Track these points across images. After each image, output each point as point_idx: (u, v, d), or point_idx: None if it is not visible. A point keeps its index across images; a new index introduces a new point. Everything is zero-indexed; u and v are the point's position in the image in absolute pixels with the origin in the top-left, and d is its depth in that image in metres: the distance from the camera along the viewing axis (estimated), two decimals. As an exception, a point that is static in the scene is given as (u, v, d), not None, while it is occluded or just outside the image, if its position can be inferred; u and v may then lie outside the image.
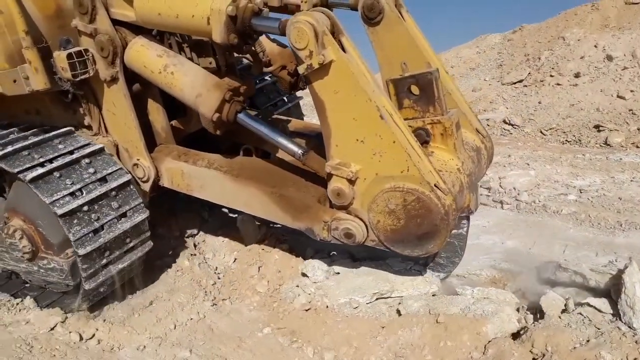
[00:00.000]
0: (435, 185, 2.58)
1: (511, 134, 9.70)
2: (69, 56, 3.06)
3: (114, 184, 3.21)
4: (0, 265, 3.65)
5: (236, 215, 4.30)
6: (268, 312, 3.46)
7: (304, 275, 3.60)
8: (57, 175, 3.03)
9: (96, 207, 3.10)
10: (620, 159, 7.11)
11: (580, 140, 8.67)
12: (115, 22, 3.19)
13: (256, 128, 3.09)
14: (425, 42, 3.23)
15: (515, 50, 13.77)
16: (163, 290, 3.69)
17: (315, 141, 3.43)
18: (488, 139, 3.45)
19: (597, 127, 8.74)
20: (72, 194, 3.00)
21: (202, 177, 3.45)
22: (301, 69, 2.58)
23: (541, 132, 9.38)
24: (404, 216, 2.69)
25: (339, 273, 3.58)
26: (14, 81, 3.14)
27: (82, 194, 3.05)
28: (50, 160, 3.09)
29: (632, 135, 8.18)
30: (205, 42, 3.57)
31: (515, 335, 2.99)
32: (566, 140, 8.86)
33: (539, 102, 10.37)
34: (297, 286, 3.52)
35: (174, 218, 4.40)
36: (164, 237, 4.23)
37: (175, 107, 3.75)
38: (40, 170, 2.98)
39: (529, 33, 14.19)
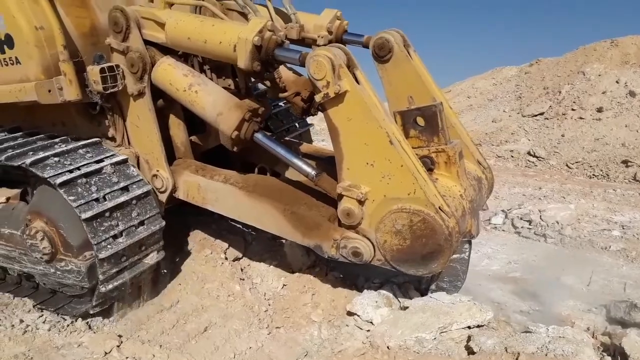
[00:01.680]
0: (439, 208, 2.76)
1: (536, 166, 9.71)
2: (102, 70, 3.29)
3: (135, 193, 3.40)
4: (17, 268, 3.80)
5: (281, 239, 4.23)
6: (329, 345, 3.30)
7: (351, 314, 3.44)
8: (84, 181, 3.22)
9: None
10: (654, 195, 6.96)
11: (608, 175, 8.60)
12: (146, 42, 3.43)
13: (272, 148, 3.28)
14: (431, 79, 3.50)
15: (534, 83, 13.89)
16: (217, 315, 3.63)
17: (325, 164, 3.64)
18: (489, 170, 3.64)
19: (625, 162, 8.69)
20: (97, 199, 3.19)
21: (217, 191, 3.63)
22: (318, 98, 2.80)
23: (567, 165, 9.36)
24: (409, 236, 2.86)
25: (391, 314, 3.38)
26: (49, 91, 3.34)
27: (105, 200, 3.24)
28: (78, 168, 3.28)
29: (660, 172, 8.11)
30: (225, 65, 3.80)
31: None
32: (593, 175, 8.81)
33: (562, 135, 10.43)
34: (348, 325, 3.41)
35: (221, 240, 4.34)
36: (212, 259, 4.20)
37: (194, 123, 3.97)
38: (68, 176, 3.17)
39: (547, 67, 14.34)
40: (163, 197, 3.76)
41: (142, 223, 3.42)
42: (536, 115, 11.92)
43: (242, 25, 3.04)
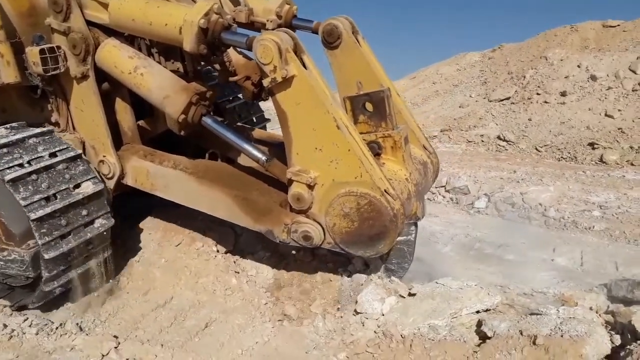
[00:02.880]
0: (385, 191, 2.84)
1: (506, 150, 10.01)
2: (41, 52, 3.17)
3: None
4: None
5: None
6: (338, 336, 3.21)
7: (358, 313, 3.32)
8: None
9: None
10: (623, 176, 7.32)
11: (575, 158, 8.95)
12: (89, 24, 3.31)
13: (221, 132, 3.26)
14: (379, 65, 3.57)
15: (498, 69, 14.26)
16: (216, 310, 3.52)
17: (277, 150, 3.65)
18: (434, 155, 3.76)
19: (591, 144, 9.07)
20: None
21: (166, 177, 3.59)
22: (266, 82, 2.80)
23: (536, 148, 9.68)
24: (357, 219, 2.93)
25: (399, 302, 3.33)
26: None
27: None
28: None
29: (625, 153, 8.54)
30: (174, 48, 3.73)
31: (610, 357, 2.78)
32: (562, 157, 9.14)
33: (529, 119, 10.75)
34: (355, 315, 3.32)
35: (211, 233, 4.19)
36: (204, 252, 4.06)
37: (142, 108, 3.88)
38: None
39: (510, 52, 14.72)
40: (110, 184, 3.68)
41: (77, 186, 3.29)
42: (502, 100, 12.32)
43: (188, 8, 2.99)
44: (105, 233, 3.41)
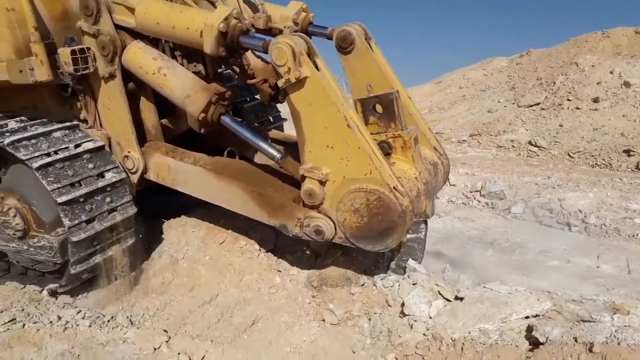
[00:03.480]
0: (394, 188, 2.96)
1: (538, 155, 9.94)
2: (73, 52, 3.39)
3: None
4: None
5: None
6: (385, 338, 3.21)
7: (405, 315, 3.31)
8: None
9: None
10: (662, 183, 7.09)
11: (610, 164, 8.84)
12: (117, 27, 3.52)
13: (239, 131, 3.43)
14: (390, 70, 3.72)
15: (526, 74, 14.22)
16: (262, 308, 3.57)
17: (291, 149, 3.80)
18: (445, 156, 3.86)
19: (627, 151, 8.95)
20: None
21: (187, 173, 3.77)
22: (280, 83, 2.96)
23: (569, 155, 9.61)
24: (367, 214, 3.05)
25: (446, 305, 3.33)
26: (20, 71, 3.42)
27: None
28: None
29: (663, 160, 8.29)
30: (196, 51, 3.92)
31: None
32: (596, 164, 9.02)
33: (561, 125, 10.67)
34: (402, 317, 3.32)
35: (253, 232, 4.26)
36: (247, 251, 4.12)
37: (165, 107, 4.08)
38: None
39: (538, 58, 14.63)
40: (134, 178, 3.88)
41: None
42: (532, 106, 12.25)
43: (209, 13, 3.16)
44: (127, 220, 3.60)
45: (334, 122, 2.97)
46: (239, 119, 4.31)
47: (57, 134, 3.55)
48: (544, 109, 11.86)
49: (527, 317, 3.13)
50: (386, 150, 3.32)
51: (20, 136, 3.36)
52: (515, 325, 3.09)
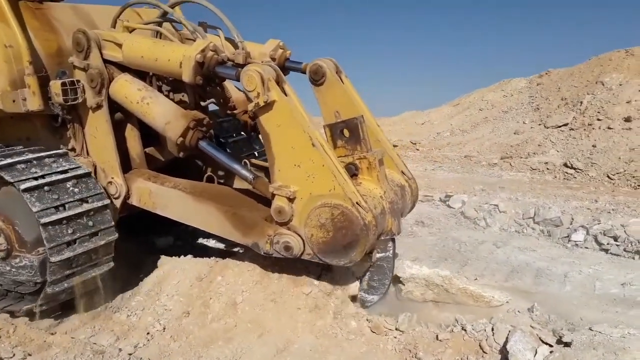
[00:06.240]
0: (357, 203, 3.15)
1: (575, 178, 9.44)
2: (63, 84, 3.69)
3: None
4: None
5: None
6: None
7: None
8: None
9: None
10: None
11: None
12: (106, 61, 3.84)
13: (215, 154, 3.67)
14: (359, 99, 4.04)
15: (549, 94, 14.05)
16: (344, 357, 3.33)
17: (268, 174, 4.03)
18: (413, 180, 4.09)
19: None
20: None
21: (166, 197, 3.96)
22: (250, 107, 3.23)
23: (608, 176, 9.14)
24: (332, 228, 3.22)
25: (553, 351, 3.02)
26: (13, 101, 3.71)
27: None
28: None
29: None
30: (181, 82, 4.23)
31: None
32: (638, 185, 8.58)
33: (594, 146, 10.31)
34: None
35: (311, 274, 3.95)
36: (312, 295, 3.77)
37: (151, 137, 4.34)
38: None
39: (560, 77, 14.52)
40: (117, 203, 4.07)
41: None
42: (560, 126, 12.02)
43: (188, 46, 3.49)
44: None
45: (300, 142, 3.21)
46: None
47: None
48: (573, 129, 11.53)
49: None
50: (353, 171, 3.53)
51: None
52: None
